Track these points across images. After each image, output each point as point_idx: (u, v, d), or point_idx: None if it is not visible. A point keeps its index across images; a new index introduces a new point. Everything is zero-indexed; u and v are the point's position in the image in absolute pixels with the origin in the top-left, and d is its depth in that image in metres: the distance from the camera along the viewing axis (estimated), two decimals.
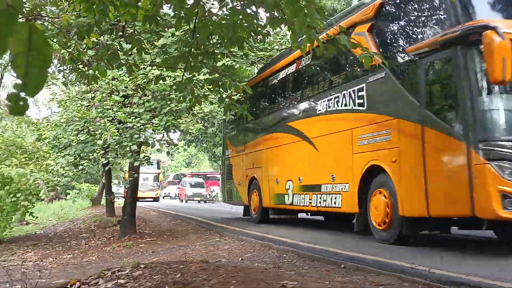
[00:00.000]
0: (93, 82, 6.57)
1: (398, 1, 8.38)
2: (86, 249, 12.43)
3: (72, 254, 11.62)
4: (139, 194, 38.91)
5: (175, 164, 73.62)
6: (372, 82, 8.08)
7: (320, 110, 9.72)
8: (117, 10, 5.46)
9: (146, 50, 8.10)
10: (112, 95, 11.54)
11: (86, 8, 5.28)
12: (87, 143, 11.46)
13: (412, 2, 8.06)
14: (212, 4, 8.14)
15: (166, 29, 9.25)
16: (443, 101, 6.95)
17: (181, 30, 9.22)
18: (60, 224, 19.92)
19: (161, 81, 9.81)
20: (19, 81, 1.08)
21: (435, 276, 4.96)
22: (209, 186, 47.67)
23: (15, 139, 14.49)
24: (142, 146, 12.33)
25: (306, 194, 10.15)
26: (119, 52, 6.25)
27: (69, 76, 17.77)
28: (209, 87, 6.98)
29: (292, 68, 11.60)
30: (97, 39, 7.43)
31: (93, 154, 11.73)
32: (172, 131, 14.07)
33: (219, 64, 7.35)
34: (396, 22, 8.39)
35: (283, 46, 13.31)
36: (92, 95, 11.92)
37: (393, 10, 8.48)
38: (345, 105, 8.77)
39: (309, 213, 12.39)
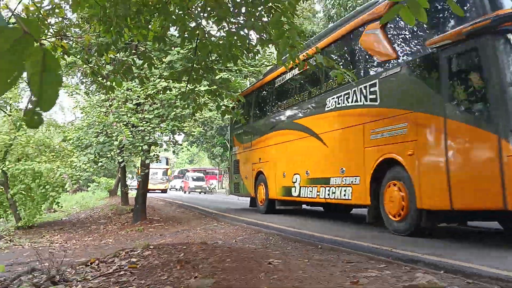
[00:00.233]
0: (110, 92, 6.56)
1: None
2: (104, 233, 12.39)
3: (92, 237, 11.58)
4: (151, 187, 39.08)
5: (179, 161, 73.40)
6: (385, 77, 7.18)
7: (329, 107, 8.78)
8: (131, 31, 5.47)
9: (156, 65, 8.08)
10: (127, 103, 11.55)
11: (105, 29, 5.28)
12: (105, 143, 11.43)
13: None
14: (211, 27, 8.14)
15: (172, 48, 9.25)
16: (468, 93, 5.82)
17: (185, 49, 9.27)
18: (82, 211, 19.82)
19: (168, 91, 9.74)
20: (34, 98, 1.08)
21: (396, 255, 4.99)
22: (208, 179, 47.90)
23: (45, 139, 14.40)
24: (152, 146, 12.32)
25: (314, 186, 9.24)
26: (132, 66, 6.24)
27: (90, 87, 17.76)
28: (209, 96, 7.00)
29: (297, 70, 10.25)
30: (114, 55, 7.40)
31: (110, 153, 11.70)
32: (177, 133, 14.07)
33: (217, 77, 7.36)
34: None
35: (271, 63, 13.31)
36: (110, 103, 11.93)
37: None
38: (356, 101, 7.90)
39: (309, 205, 11.61)
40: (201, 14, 5.11)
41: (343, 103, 8.32)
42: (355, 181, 7.85)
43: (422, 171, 6.28)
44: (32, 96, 1.09)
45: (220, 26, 5.09)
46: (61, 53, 6.25)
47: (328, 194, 8.65)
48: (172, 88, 10.06)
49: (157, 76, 10.81)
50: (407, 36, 7.31)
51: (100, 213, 17.60)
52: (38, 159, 13.89)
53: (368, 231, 7.40)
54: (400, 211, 6.67)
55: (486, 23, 5.40)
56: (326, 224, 9.07)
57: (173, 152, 15.36)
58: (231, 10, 4.87)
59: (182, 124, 12.78)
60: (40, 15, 5.96)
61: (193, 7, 5.22)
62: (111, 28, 5.23)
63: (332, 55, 9.30)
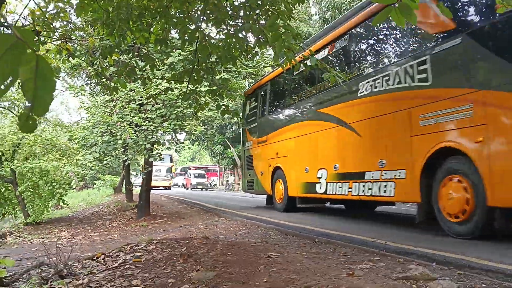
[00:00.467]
0: (114, 93, 6.57)
1: None
2: (109, 228, 12.39)
3: (98, 233, 11.58)
4: (155, 184, 39.05)
5: (181, 159, 73.45)
6: (439, 53, 5.85)
7: (362, 92, 7.50)
8: (133, 34, 5.47)
9: (158, 67, 8.08)
10: (130, 104, 11.55)
11: (108, 33, 5.29)
12: (109, 142, 11.44)
13: None
14: (211, 30, 8.14)
15: (173, 50, 9.24)
16: None
17: (186, 51, 9.26)
18: (88, 208, 19.83)
19: (170, 92, 9.80)
20: (28, 103, 1.08)
21: (390, 248, 5.00)
22: (210, 176, 48.06)
23: (51, 139, 14.43)
24: (155, 145, 12.33)
25: (344, 182, 7.98)
26: (135, 68, 6.25)
27: (94, 88, 17.78)
28: (209, 96, 7.01)
29: (324, 53, 9.13)
30: (117, 58, 7.40)
31: (114, 152, 11.71)
32: (179, 132, 14.10)
33: (217, 77, 7.37)
34: None
35: (268, 64, 13.30)
36: (114, 103, 11.92)
37: None
38: (399, 83, 6.56)
39: (330, 202, 10.66)
40: (201, 17, 5.11)
41: (382, 86, 7.02)
42: (399, 175, 6.58)
43: (496, 162, 5.05)
44: (26, 102, 1.09)
45: (219, 29, 5.09)
46: (66, 55, 6.25)
47: (363, 191, 7.40)
48: (173, 88, 10.07)
49: (159, 77, 10.82)
50: (469, 2, 5.85)
51: (106, 209, 17.61)
52: (45, 158, 13.91)
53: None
54: (463, 210, 5.45)
55: None
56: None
57: (175, 150, 15.32)
58: (230, 13, 4.87)
59: (183, 123, 12.79)
60: (46, 19, 5.95)
61: (193, 10, 5.22)
62: (114, 31, 5.24)
63: (365, 33, 8.26)
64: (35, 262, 5.74)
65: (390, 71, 6.82)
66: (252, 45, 5.30)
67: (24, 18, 6.27)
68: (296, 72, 9.83)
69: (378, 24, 7.35)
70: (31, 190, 13.61)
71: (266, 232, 7.36)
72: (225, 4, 4.93)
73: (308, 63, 4.51)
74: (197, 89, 6.63)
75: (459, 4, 6.03)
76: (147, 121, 11.34)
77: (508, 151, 4.95)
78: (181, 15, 5.13)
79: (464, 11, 5.96)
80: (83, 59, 10.48)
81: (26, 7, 5.90)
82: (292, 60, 4.21)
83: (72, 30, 6.59)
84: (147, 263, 4.75)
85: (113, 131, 11.65)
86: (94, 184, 33.67)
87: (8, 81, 1.03)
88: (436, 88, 5.92)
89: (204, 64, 5.88)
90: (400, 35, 7.26)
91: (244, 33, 4.93)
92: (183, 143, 15.17)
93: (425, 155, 6.01)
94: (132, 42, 7.63)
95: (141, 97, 11.45)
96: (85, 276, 4.63)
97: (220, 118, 15.83)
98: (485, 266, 3.80)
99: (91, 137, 11.86)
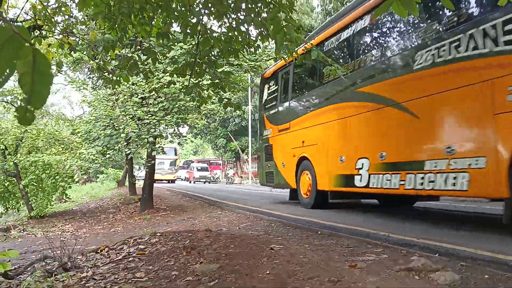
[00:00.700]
0: (116, 87, 6.58)
1: None
2: (113, 221, 12.43)
3: (102, 226, 11.63)
4: (159, 177, 38.98)
5: (184, 153, 73.55)
6: None
7: (420, 63, 6.18)
8: (135, 28, 5.46)
9: (159, 60, 8.08)
10: (132, 97, 11.56)
11: (110, 27, 5.28)
12: (112, 136, 11.46)
13: None
14: (213, 23, 8.13)
15: (175, 43, 9.23)
16: None
17: (188, 44, 9.24)
18: (92, 201, 19.89)
19: (172, 85, 9.79)
20: (25, 96, 1.09)
21: (393, 239, 5.01)
22: (212, 170, 48.17)
23: (54, 132, 14.47)
24: (157, 138, 12.35)
25: (394, 174, 6.66)
26: (137, 62, 6.24)
27: (97, 82, 17.78)
28: (212, 89, 7.00)
29: (364, 22, 7.94)
30: (119, 52, 7.39)
31: (117, 145, 11.72)
32: (182, 125, 14.12)
33: (219, 71, 7.35)
34: None
35: (271, 57, 13.26)
36: (116, 97, 11.95)
37: None
38: (475, 48, 5.25)
39: (364, 197, 9.37)
40: (203, 10, 5.10)
41: (449, 54, 5.72)
42: (476, 164, 5.29)
43: None
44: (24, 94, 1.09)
45: (221, 22, 5.08)
46: (68, 49, 6.26)
47: (421, 184, 6.11)
48: (176, 82, 10.06)
49: (161, 70, 10.82)
50: None
51: (109, 203, 17.67)
52: (48, 152, 13.95)
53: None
54: None
55: None
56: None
57: (178, 143, 15.31)
58: (231, 6, 4.86)
59: (186, 116, 12.79)
60: (47, 13, 5.95)
61: (195, 3, 5.21)
62: (116, 25, 5.23)
63: None
64: (40, 255, 5.78)
65: (462, 35, 5.49)
66: (254, 38, 5.29)
67: (26, 13, 6.28)
68: (328, 49, 8.99)
69: None
70: (35, 183, 13.67)
71: (269, 224, 7.38)
72: None
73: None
74: (199, 83, 6.63)
75: None
76: (150, 115, 11.36)
77: None
78: (182, 9, 5.12)
79: None
80: (85, 53, 10.47)
81: (27, 1, 5.90)
82: (294, 52, 4.21)
83: (74, 24, 6.59)
84: (150, 256, 4.77)
85: (116, 125, 11.67)
86: (97, 178, 33.77)
87: (5, 74, 1.04)
88: None
89: (206, 57, 5.87)
90: None
91: (246, 26, 4.92)
92: (185, 136, 15.18)
93: None
94: (134, 36, 7.63)
95: (143, 90, 11.46)
96: (89, 269, 4.66)
97: (222, 111, 15.84)
98: (488, 257, 3.81)
99: (94, 131, 11.88)
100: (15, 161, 13.43)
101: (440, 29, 6.07)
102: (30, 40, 1.08)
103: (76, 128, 13.39)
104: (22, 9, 6.23)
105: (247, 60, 11.61)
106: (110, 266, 4.62)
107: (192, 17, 5.12)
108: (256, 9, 4.63)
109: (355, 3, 8.38)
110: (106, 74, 7.85)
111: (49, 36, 6.55)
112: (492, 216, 6.93)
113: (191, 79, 6.31)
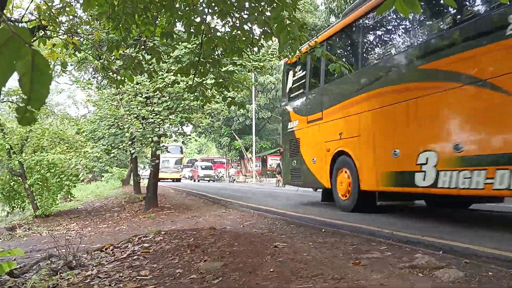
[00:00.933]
0: (120, 86, 6.60)
1: None
2: (118, 220, 12.47)
3: (106, 224, 11.66)
4: (165, 176, 38.69)
5: (188, 151, 73.66)
6: None
7: None
8: (139, 28, 5.48)
9: (164, 60, 8.09)
10: (137, 97, 11.59)
11: (114, 26, 5.30)
12: (117, 135, 11.49)
13: None
14: (217, 22, 8.13)
15: (179, 43, 9.24)
16: None
17: (192, 44, 9.25)
18: (97, 200, 19.96)
19: (176, 85, 9.81)
20: (24, 97, 1.10)
21: (396, 237, 5.01)
22: (216, 168, 48.28)
23: (58, 131, 14.53)
24: (162, 137, 12.38)
25: (476, 170, 5.34)
26: (141, 61, 6.26)
27: (101, 81, 17.82)
28: (215, 88, 7.01)
29: None
30: (123, 51, 7.42)
31: (122, 144, 11.74)
32: (186, 124, 14.13)
33: (222, 70, 7.36)
34: None
35: (274, 56, 13.23)
36: (120, 96, 11.97)
37: None
38: None
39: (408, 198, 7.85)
40: (206, 9, 5.11)
41: None
42: None
43: None
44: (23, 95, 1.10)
45: (225, 21, 5.09)
46: (73, 49, 6.28)
47: None
48: (180, 81, 10.08)
49: (165, 70, 10.84)
50: None
51: (114, 201, 17.72)
52: (52, 151, 14.00)
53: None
54: None
55: None
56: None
57: (182, 142, 15.31)
58: (235, 5, 4.86)
59: (190, 116, 12.81)
60: (52, 14, 5.97)
61: (198, 3, 5.22)
62: (120, 25, 5.25)
63: None
64: (45, 254, 5.81)
65: None
66: (257, 37, 5.29)
67: (31, 13, 6.30)
68: (376, 20, 7.77)
69: None
70: (40, 183, 13.73)
71: (273, 222, 7.39)
72: None
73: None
74: (203, 82, 6.64)
75: None
76: (154, 114, 11.38)
77: None
78: (186, 8, 5.13)
79: None
80: (89, 53, 10.52)
81: (32, 1, 5.92)
82: (298, 51, 4.21)
83: (78, 24, 6.62)
84: (155, 254, 4.79)
85: (120, 124, 11.70)
86: (102, 177, 33.85)
87: (4, 75, 1.05)
88: None
89: (210, 56, 5.88)
90: None
91: (249, 25, 4.93)
92: (189, 135, 15.19)
93: None
94: (138, 36, 7.64)
95: (147, 90, 11.48)
96: (94, 267, 4.68)
97: (226, 110, 15.85)
98: (492, 255, 3.81)
99: (99, 130, 11.91)
100: (20, 160, 13.49)
101: None
102: (33, 40, 1.09)
103: (81, 128, 13.43)
104: (26, 9, 6.25)
105: (251, 60, 11.59)
106: (115, 264, 4.64)
107: (196, 16, 5.13)
108: (260, 8, 4.63)
109: None
110: (110, 73, 7.88)
111: (54, 36, 6.57)
112: None
113: (195, 79, 6.32)
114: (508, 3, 4.05)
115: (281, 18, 3.54)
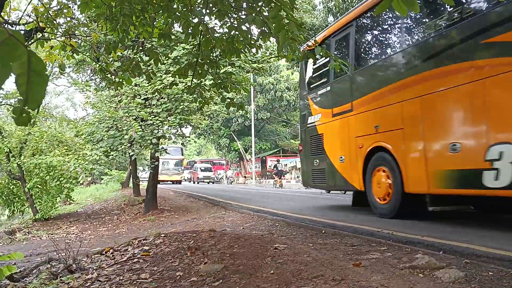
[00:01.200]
0: (119, 88, 6.59)
1: None
2: (117, 223, 12.48)
3: (106, 227, 11.67)
4: (166, 178, 38.43)
5: (187, 153, 73.63)
6: None
7: None
8: (136, 29, 5.48)
9: (162, 61, 8.09)
10: (135, 98, 11.60)
11: (112, 28, 5.30)
12: (116, 137, 11.51)
13: None
14: (215, 24, 8.14)
15: (177, 44, 9.24)
16: None
17: (190, 44, 9.25)
18: (96, 203, 19.96)
19: (174, 86, 9.80)
20: (21, 97, 1.10)
21: (396, 237, 5.00)
22: (216, 170, 48.28)
23: (57, 134, 14.55)
24: (161, 139, 12.38)
25: None
26: (140, 63, 6.26)
27: (99, 83, 17.82)
28: (214, 89, 7.01)
29: None
30: (121, 53, 7.42)
31: (121, 146, 11.75)
32: (185, 126, 14.14)
33: (221, 72, 7.36)
34: None
35: (272, 59, 13.21)
36: (119, 98, 11.98)
37: None
38: None
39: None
40: (204, 10, 5.11)
41: None
42: None
43: None
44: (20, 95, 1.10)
45: (223, 22, 5.09)
46: (71, 51, 6.28)
47: None
48: (178, 83, 10.08)
49: (164, 71, 10.85)
50: None
51: (113, 204, 17.72)
52: (51, 154, 14.02)
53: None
54: None
55: None
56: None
57: (182, 144, 15.31)
58: (232, 5, 4.87)
59: (189, 117, 12.81)
60: (49, 16, 5.98)
61: (196, 3, 5.22)
62: (118, 27, 5.25)
63: None
64: (45, 258, 5.81)
65: None
66: (255, 38, 5.29)
67: (28, 15, 6.31)
68: None
69: None
70: (39, 186, 13.75)
71: (273, 224, 7.39)
72: None
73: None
74: (202, 83, 6.64)
75: None
76: (153, 116, 11.40)
77: None
78: (184, 9, 5.13)
79: None
80: (87, 54, 10.52)
81: (29, 3, 5.93)
82: (296, 50, 4.22)
83: (76, 26, 6.62)
84: (155, 257, 4.79)
85: (119, 126, 11.71)
86: (101, 179, 33.89)
87: (1, 76, 1.05)
88: None
89: (208, 57, 5.88)
90: None
91: (247, 25, 4.93)
92: (188, 137, 15.19)
93: None
94: (136, 37, 7.64)
95: (146, 91, 11.49)
96: (94, 271, 4.68)
97: (225, 111, 15.84)
98: (492, 254, 3.81)
99: (98, 132, 11.92)
100: (19, 163, 13.50)
101: None
102: (31, 42, 1.09)
103: (79, 130, 13.44)
104: (24, 11, 6.26)
105: (249, 62, 11.58)
106: (115, 268, 4.64)
107: (193, 17, 5.13)
108: (257, 8, 4.64)
109: None
110: (108, 75, 7.89)
111: (52, 38, 6.57)
112: None
113: (194, 80, 6.32)
114: None
115: (280, 17, 3.55)
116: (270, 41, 5.49)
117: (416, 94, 6.40)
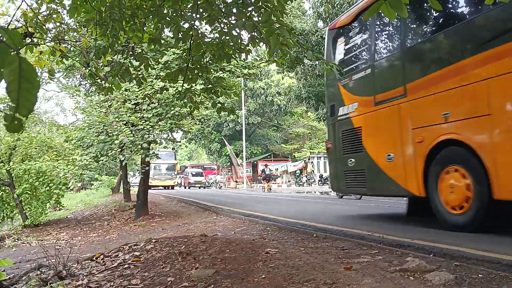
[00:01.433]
0: (109, 93, 6.56)
1: None
2: (108, 228, 12.39)
3: (96, 233, 11.58)
4: (158, 183, 38.09)
5: (179, 158, 73.36)
6: None
7: None
8: (126, 34, 5.47)
9: (152, 66, 8.08)
10: (126, 103, 11.56)
11: (101, 33, 5.29)
12: (106, 142, 11.44)
13: None
14: (206, 29, 8.13)
15: (168, 49, 9.24)
16: None
17: (180, 49, 9.25)
18: (87, 209, 19.83)
19: (165, 91, 9.79)
20: (12, 104, 1.10)
21: (387, 241, 5.02)
22: (207, 174, 48.25)
23: (46, 139, 14.45)
24: (151, 144, 12.34)
25: None
26: (130, 68, 6.24)
27: (89, 88, 17.76)
28: (204, 94, 7.01)
29: None
30: (111, 58, 7.39)
31: (111, 152, 11.69)
32: (176, 131, 14.10)
33: (212, 77, 7.35)
34: None
35: (262, 64, 13.22)
36: (109, 103, 11.94)
37: None
38: None
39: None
40: (194, 15, 5.12)
41: None
42: None
43: None
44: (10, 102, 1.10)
45: (213, 27, 5.10)
46: (60, 56, 6.25)
47: None
48: (169, 88, 10.07)
49: (154, 76, 10.82)
50: None
51: (104, 210, 17.61)
52: (41, 159, 13.92)
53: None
54: None
55: None
56: None
57: (172, 149, 15.29)
58: (223, 10, 4.88)
59: (180, 122, 12.79)
60: (38, 21, 5.95)
61: (186, 8, 5.22)
62: (108, 32, 5.24)
63: None
64: (34, 264, 5.76)
65: None
66: (245, 43, 5.31)
67: (17, 20, 6.27)
68: None
69: None
70: (29, 192, 13.64)
71: (265, 228, 7.38)
72: (218, 1, 4.93)
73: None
74: (192, 88, 6.63)
75: None
76: (143, 121, 11.36)
77: None
78: (174, 14, 5.13)
79: None
80: (77, 59, 10.47)
81: (18, 8, 5.90)
82: (287, 54, 4.24)
83: (66, 31, 6.59)
84: (146, 262, 4.76)
85: (109, 131, 11.65)
86: (91, 185, 33.70)
87: None
88: None
89: (198, 62, 5.88)
90: None
91: (237, 30, 4.94)
92: (179, 141, 15.16)
93: None
94: (126, 42, 7.63)
95: (136, 96, 11.46)
96: (84, 277, 4.64)
97: (216, 116, 15.83)
98: (481, 257, 3.83)
99: (87, 138, 11.86)
100: (8, 169, 13.39)
101: None
102: (20, 48, 1.09)
103: (69, 135, 13.36)
104: (13, 16, 6.23)
105: (240, 68, 11.59)
106: (106, 274, 4.60)
107: (184, 22, 5.13)
108: (248, 14, 4.65)
109: None
110: (98, 80, 7.86)
111: (41, 44, 6.54)
112: None
113: (184, 85, 6.32)
114: None
115: (271, 22, 3.56)
116: (259, 46, 5.49)
117: (504, 71, 4.88)
